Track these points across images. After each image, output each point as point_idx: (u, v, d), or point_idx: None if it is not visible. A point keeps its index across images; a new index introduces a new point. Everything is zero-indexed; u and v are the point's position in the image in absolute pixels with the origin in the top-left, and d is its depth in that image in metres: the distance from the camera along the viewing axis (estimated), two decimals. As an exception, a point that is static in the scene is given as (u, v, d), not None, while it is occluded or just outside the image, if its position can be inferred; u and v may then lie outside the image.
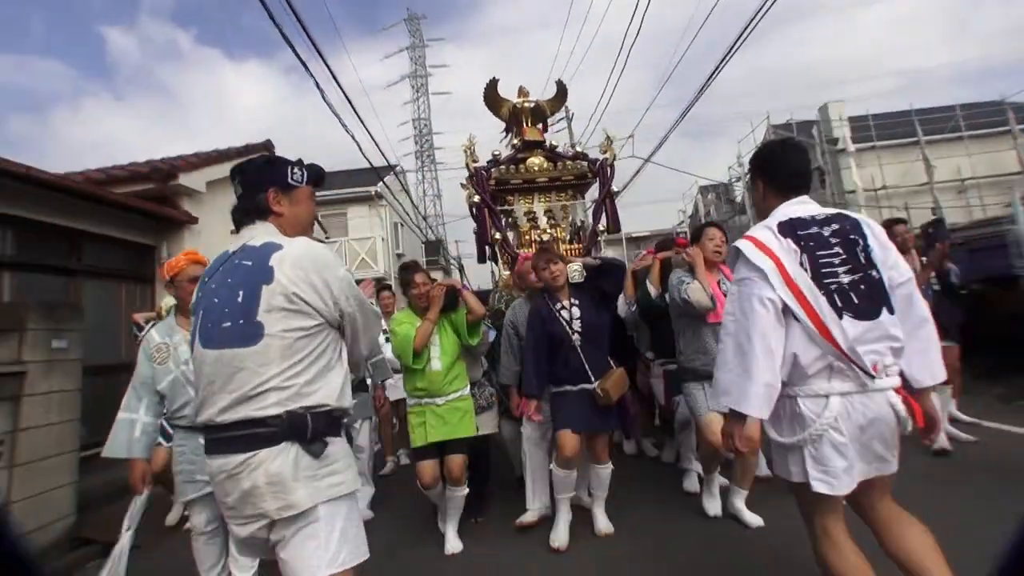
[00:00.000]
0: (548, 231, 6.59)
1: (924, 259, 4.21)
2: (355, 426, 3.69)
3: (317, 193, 1.84)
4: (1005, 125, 14.05)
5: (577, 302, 3.17)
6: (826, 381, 1.65)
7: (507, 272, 5.98)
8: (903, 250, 4.31)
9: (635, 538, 3.06)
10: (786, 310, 1.67)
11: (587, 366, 3.04)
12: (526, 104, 6.73)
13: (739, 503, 3.09)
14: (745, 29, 8.21)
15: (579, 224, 6.74)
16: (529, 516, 3.38)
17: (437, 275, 28.07)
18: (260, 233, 1.59)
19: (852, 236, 1.74)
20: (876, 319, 1.64)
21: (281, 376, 1.44)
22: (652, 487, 3.87)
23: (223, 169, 7.42)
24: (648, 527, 3.18)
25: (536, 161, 6.45)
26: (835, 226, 1.76)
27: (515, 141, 6.65)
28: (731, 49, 8.86)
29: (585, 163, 6.45)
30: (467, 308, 3.23)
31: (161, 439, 2.72)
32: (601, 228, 6.25)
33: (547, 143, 6.63)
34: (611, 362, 3.17)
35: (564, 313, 3.15)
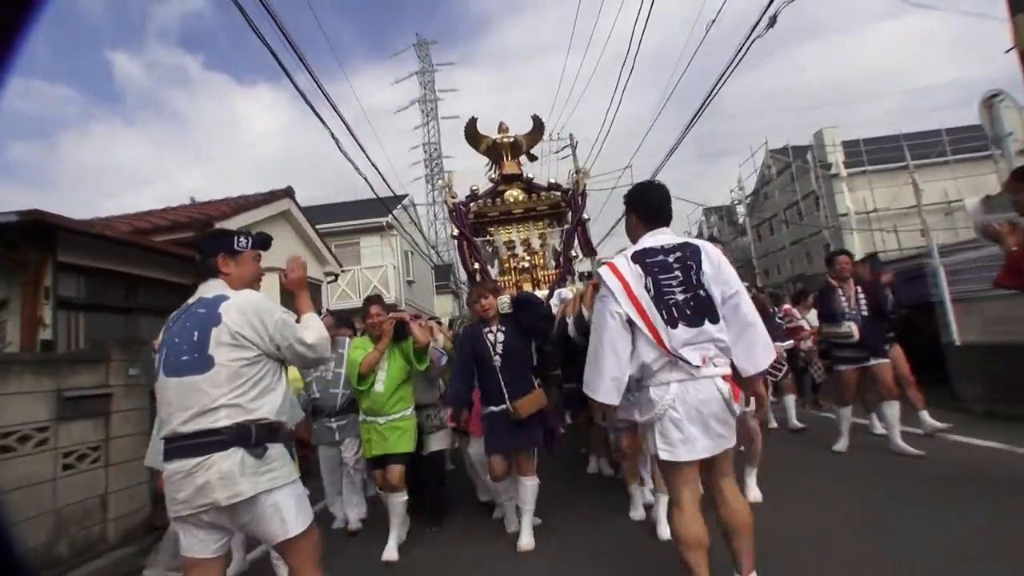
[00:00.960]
0: (527, 258, 6.88)
1: (859, 288, 4.48)
2: (344, 444, 3.91)
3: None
4: (987, 149, 14.10)
5: (503, 329, 3.42)
6: (667, 373, 2.04)
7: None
8: (841, 278, 4.56)
9: (565, 553, 3.16)
10: (631, 321, 2.07)
11: (503, 385, 3.29)
12: (505, 139, 7.04)
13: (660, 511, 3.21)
14: (737, 53, 8.41)
15: (558, 250, 7.01)
16: (509, 525, 3.60)
17: (446, 298, 28.39)
18: (213, 288, 2.00)
19: (689, 262, 2.12)
20: (702, 327, 2.04)
21: (230, 395, 1.80)
22: (591, 503, 3.98)
23: (251, 216, 8.29)
24: (582, 542, 3.29)
25: (513, 193, 6.76)
26: (678, 254, 2.15)
27: (494, 175, 6.97)
28: (722, 76, 9.08)
29: (558, 193, 6.75)
30: (413, 338, 3.51)
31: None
32: (574, 254, 6.51)
33: (524, 175, 6.95)
34: (534, 383, 3.38)
35: (490, 337, 3.42)
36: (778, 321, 5.88)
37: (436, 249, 21.49)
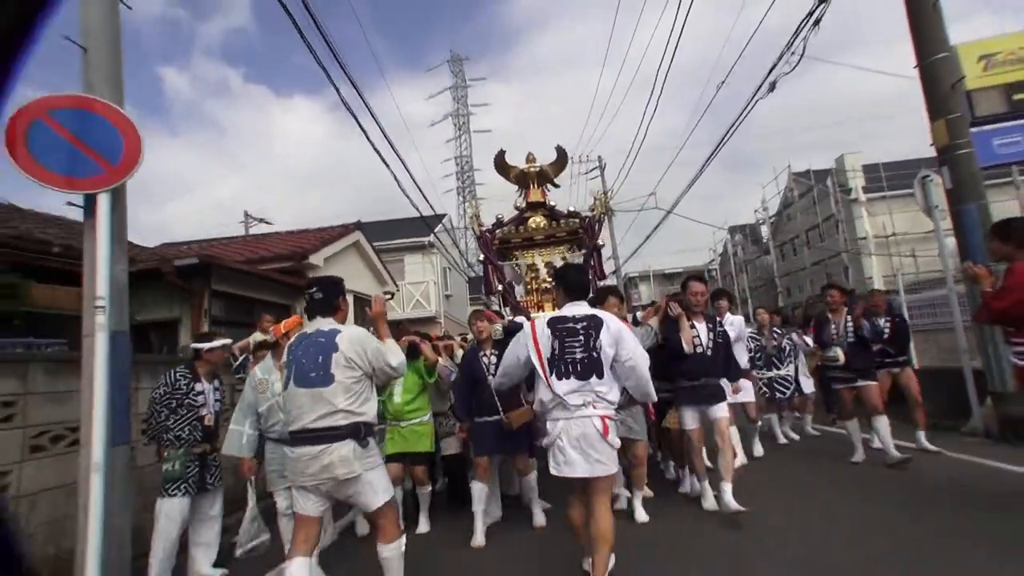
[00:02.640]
0: (548, 280, 7.26)
1: (848, 317, 4.85)
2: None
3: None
4: (1008, 176, 13.86)
5: (496, 352, 3.75)
6: (557, 411, 2.63)
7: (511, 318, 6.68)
8: (831, 308, 4.90)
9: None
10: (535, 369, 2.71)
11: (497, 400, 3.69)
12: (531, 169, 7.47)
13: (636, 503, 3.75)
14: (743, 111, 8.68)
15: (576, 274, 7.37)
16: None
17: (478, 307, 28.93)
18: (327, 323, 2.62)
19: (591, 331, 2.67)
20: (588, 380, 2.61)
21: (345, 403, 2.43)
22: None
23: (334, 247, 10.05)
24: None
25: (536, 220, 7.16)
26: (584, 323, 2.70)
27: (520, 203, 7.39)
28: (732, 125, 9.39)
29: (577, 220, 7.12)
30: (424, 357, 4.00)
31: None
32: (590, 278, 6.86)
33: (547, 203, 7.35)
34: (523, 400, 3.72)
35: (484, 359, 3.87)
36: (785, 343, 6.15)
37: (469, 263, 22.16)
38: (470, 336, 4.89)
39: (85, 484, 2.60)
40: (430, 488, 4.00)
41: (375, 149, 8.33)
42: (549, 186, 7.59)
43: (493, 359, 3.81)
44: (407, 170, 9.48)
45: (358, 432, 2.43)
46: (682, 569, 2.96)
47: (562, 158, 7.73)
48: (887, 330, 5.34)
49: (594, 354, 2.63)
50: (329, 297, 2.68)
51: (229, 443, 3.38)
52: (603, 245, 6.98)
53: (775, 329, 6.30)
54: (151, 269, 6.27)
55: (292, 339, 2.72)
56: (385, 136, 8.81)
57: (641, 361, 2.70)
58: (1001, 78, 7.24)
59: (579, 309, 2.76)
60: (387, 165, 8.77)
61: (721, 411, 3.78)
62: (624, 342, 2.65)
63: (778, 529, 3.37)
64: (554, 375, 2.63)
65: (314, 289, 2.70)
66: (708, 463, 4.02)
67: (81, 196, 2.77)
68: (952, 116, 5.97)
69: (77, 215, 2.91)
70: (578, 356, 2.63)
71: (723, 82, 7.33)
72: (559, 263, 7.39)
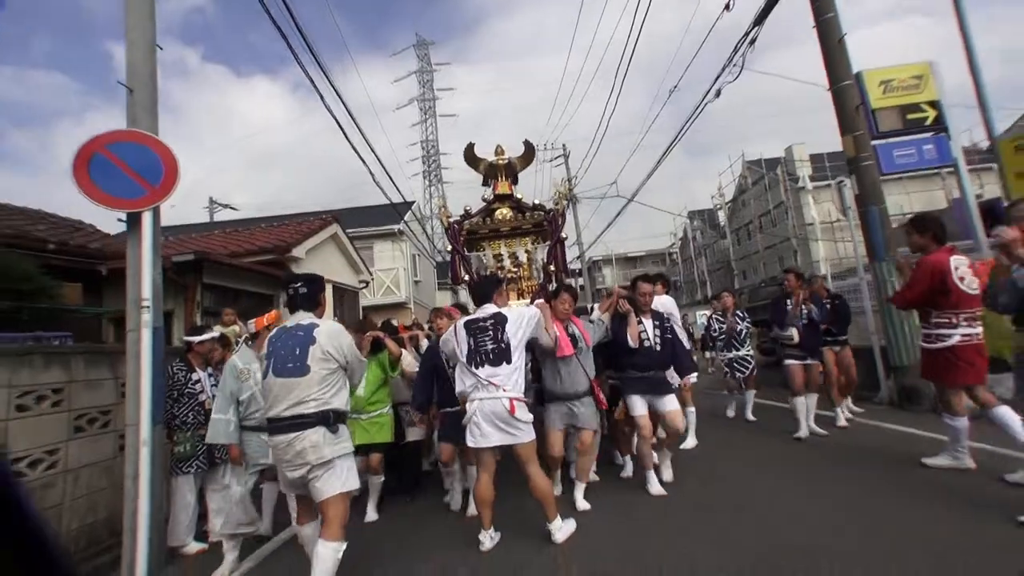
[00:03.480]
0: (513, 271, 7.46)
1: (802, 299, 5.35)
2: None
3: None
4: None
5: None
6: (475, 393, 3.20)
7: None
8: (787, 292, 5.44)
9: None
10: (459, 357, 3.29)
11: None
12: (500, 161, 7.60)
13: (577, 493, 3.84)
14: (693, 113, 9.14)
15: (541, 265, 7.59)
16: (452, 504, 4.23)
17: (446, 294, 28.95)
18: (306, 317, 2.76)
19: (498, 326, 3.26)
20: (499, 367, 3.20)
21: (317, 392, 2.56)
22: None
23: (314, 240, 10.43)
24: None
25: (503, 212, 7.31)
26: (492, 321, 3.29)
27: (487, 195, 7.53)
28: (698, 106, 9.76)
29: (542, 213, 7.32)
30: (388, 351, 4.19)
31: None
32: (553, 269, 7.10)
33: (514, 195, 7.51)
34: None
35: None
36: (744, 327, 6.56)
37: (437, 249, 22.26)
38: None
39: (134, 457, 3.23)
40: (383, 478, 4.18)
41: (345, 135, 8.28)
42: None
43: None
44: (376, 157, 9.39)
45: (327, 419, 2.53)
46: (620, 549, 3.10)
47: (530, 152, 7.86)
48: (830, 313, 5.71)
49: (502, 345, 3.23)
50: (312, 293, 2.81)
51: (215, 431, 3.45)
52: (566, 238, 7.19)
53: (737, 312, 6.69)
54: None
55: (272, 331, 2.79)
56: (354, 121, 8.74)
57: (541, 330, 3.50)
58: (897, 100, 8.59)
59: (486, 311, 3.38)
60: (357, 152, 8.76)
61: (671, 404, 3.95)
62: (526, 322, 3.31)
63: (723, 505, 3.57)
64: (473, 364, 3.22)
65: (299, 284, 2.80)
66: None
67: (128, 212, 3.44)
68: (857, 133, 7.12)
69: (61, 210, 3.29)
70: (489, 348, 3.24)
71: (675, 87, 7.64)
72: (523, 255, 7.63)
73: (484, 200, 7.49)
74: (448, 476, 4.21)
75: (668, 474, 4.20)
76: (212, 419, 3.49)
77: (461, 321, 3.41)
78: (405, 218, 16.99)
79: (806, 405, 5.20)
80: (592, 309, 5.08)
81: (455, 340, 3.34)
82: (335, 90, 7.51)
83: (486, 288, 3.55)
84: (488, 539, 3.21)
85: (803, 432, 5.16)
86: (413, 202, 21.02)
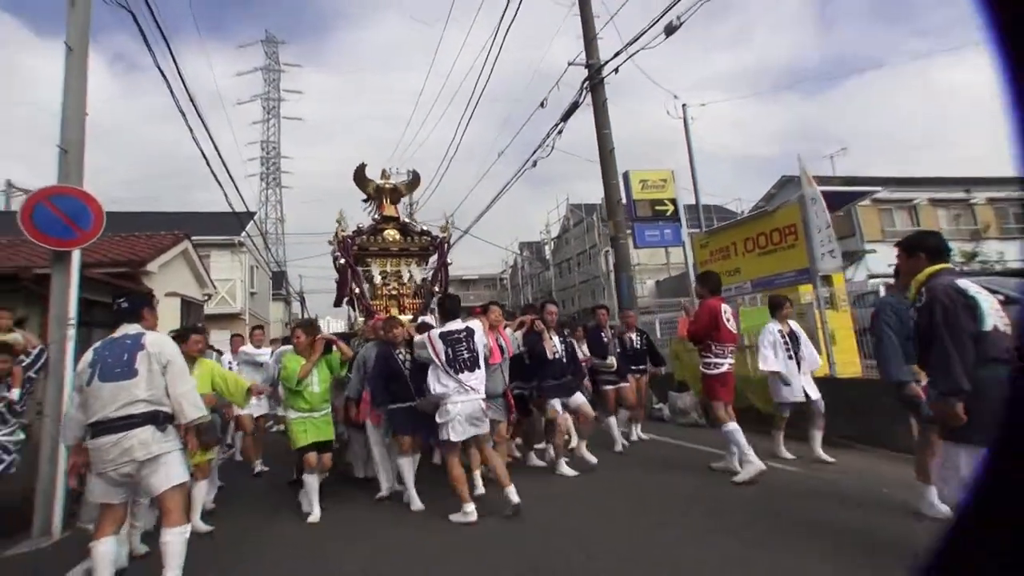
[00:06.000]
0: (397, 288, 7.75)
1: (612, 330, 6.38)
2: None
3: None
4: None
5: (410, 352, 4.46)
6: (455, 396, 3.75)
7: (362, 319, 6.98)
8: (600, 325, 6.31)
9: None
10: (436, 367, 3.80)
11: (413, 390, 4.32)
12: (387, 185, 7.87)
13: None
14: (527, 161, 10.96)
15: (419, 283, 8.00)
16: (384, 492, 4.51)
17: (279, 304, 26.61)
18: (133, 328, 2.87)
19: (469, 338, 3.89)
20: (474, 371, 3.83)
21: (145, 394, 2.64)
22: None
23: (166, 256, 10.13)
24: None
25: (391, 233, 7.61)
26: (464, 333, 3.90)
27: (375, 215, 7.73)
28: (518, 172, 11.40)
29: (428, 238, 7.80)
30: (341, 352, 4.39)
31: None
32: (436, 289, 7.61)
33: (400, 219, 7.85)
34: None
35: (400, 356, 4.48)
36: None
37: (277, 261, 20.66)
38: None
39: (51, 442, 4.00)
40: (327, 475, 4.29)
41: (186, 121, 7.39)
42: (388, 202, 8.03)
43: (409, 357, 4.39)
44: (218, 152, 8.61)
45: (156, 418, 2.63)
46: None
47: (415, 180, 8.34)
48: (641, 344, 6.63)
49: (475, 353, 3.83)
50: (133, 307, 2.97)
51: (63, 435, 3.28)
52: (451, 263, 7.78)
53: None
54: (8, 274, 6.68)
55: (97, 343, 2.89)
56: (196, 108, 7.90)
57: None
58: (649, 195, 12.34)
59: (456, 324, 3.96)
60: (197, 143, 7.93)
61: (580, 398, 4.95)
62: (482, 335, 4.04)
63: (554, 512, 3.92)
64: (454, 370, 3.74)
65: (122, 300, 2.99)
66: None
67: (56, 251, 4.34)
68: (617, 219, 10.23)
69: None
70: (465, 356, 3.79)
71: (501, 153, 9.20)
72: (406, 274, 7.98)
73: (373, 219, 7.69)
74: (408, 470, 4.32)
75: (588, 455, 5.03)
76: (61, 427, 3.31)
77: (435, 332, 3.90)
78: (247, 230, 15.66)
79: (619, 423, 6.02)
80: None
81: (431, 348, 3.81)
82: (177, 68, 6.76)
83: (455, 305, 4.17)
84: (472, 510, 3.72)
85: (619, 447, 5.80)
86: (255, 212, 19.37)
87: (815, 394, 4.86)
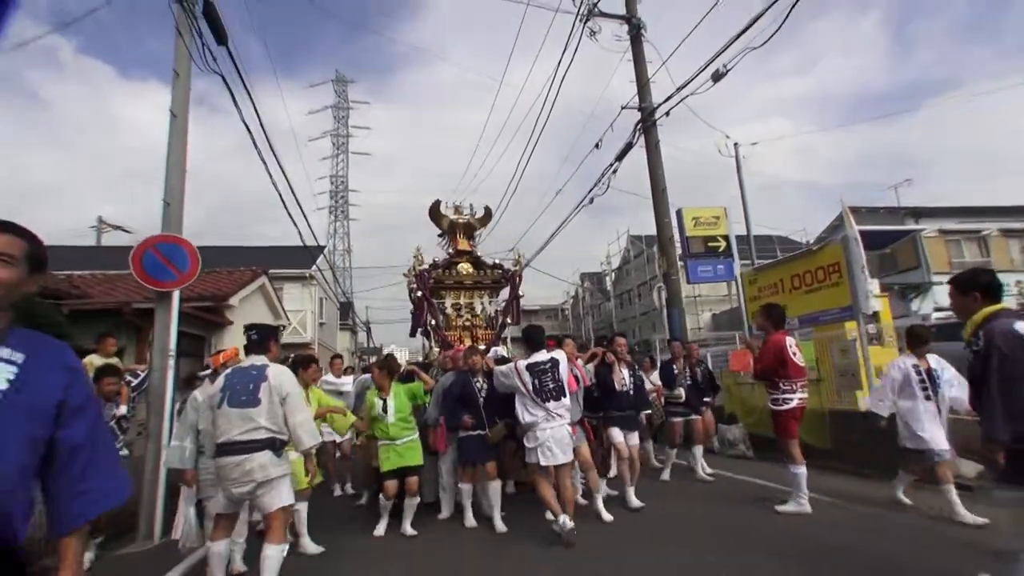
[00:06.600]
0: (470, 319, 7.88)
1: (686, 362, 6.01)
2: None
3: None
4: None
5: (486, 381, 4.57)
6: (544, 423, 3.84)
7: (438, 349, 7.12)
8: (673, 356, 6.09)
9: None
10: (524, 396, 3.89)
11: (485, 418, 4.42)
12: (460, 221, 8.13)
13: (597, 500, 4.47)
14: (585, 197, 10.95)
15: (492, 316, 8.10)
16: (445, 514, 4.66)
17: (346, 334, 27.75)
18: (259, 359, 3.09)
19: (554, 368, 3.93)
20: (559, 400, 3.90)
21: (266, 421, 2.86)
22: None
23: (246, 290, 11.05)
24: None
25: (465, 267, 7.81)
26: (549, 364, 3.95)
27: (450, 250, 7.98)
28: (575, 209, 11.48)
29: (500, 271, 7.92)
30: (423, 381, 4.59)
31: None
32: (508, 321, 7.66)
33: (474, 253, 8.05)
34: (498, 420, 4.48)
35: (476, 385, 4.55)
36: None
37: (344, 292, 21.73)
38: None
39: (155, 456, 4.48)
40: (419, 499, 4.32)
41: (261, 158, 7.32)
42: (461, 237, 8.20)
43: (484, 385, 4.50)
44: (291, 188, 9.03)
45: (274, 444, 2.85)
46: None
47: (487, 216, 8.55)
48: (702, 377, 6.18)
49: (561, 383, 3.92)
50: (262, 339, 3.18)
51: (172, 457, 3.63)
52: (523, 296, 7.84)
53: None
54: (113, 309, 7.39)
55: (228, 368, 3.11)
56: (270, 145, 7.97)
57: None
58: (702, 232, 12.61)
59: (542, 356, 3.99)
60: (271, 177, 7.74)
61: (636, 438, 4.83)
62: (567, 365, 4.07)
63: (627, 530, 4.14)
64: (542, 399, 3.84)
65: (252, 332, 3.17)
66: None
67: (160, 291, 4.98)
68: (669, 255, 10.25)
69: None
70: (551, 386, 3.88)
71: (559, 191, 9.21)
72: (479, 306, 8.11)
73: (448, 254, 7.94)
74: (467, 496, 4.44)
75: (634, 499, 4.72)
76: (171, 446, 3.67)
77: (523, 363, 3.96)
78: (317, 262, 16.67)
79: (696, 454, 5.82)
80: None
81: (517, 379, 3.93)
82: (253, 105, 6.75)
83: (540, 337, 4.16)
84: (567, 521, 3.76)
85: (666, 475, 5.77)
86: (324, 246, 20.64)
87: (939, 444, 4.13)
